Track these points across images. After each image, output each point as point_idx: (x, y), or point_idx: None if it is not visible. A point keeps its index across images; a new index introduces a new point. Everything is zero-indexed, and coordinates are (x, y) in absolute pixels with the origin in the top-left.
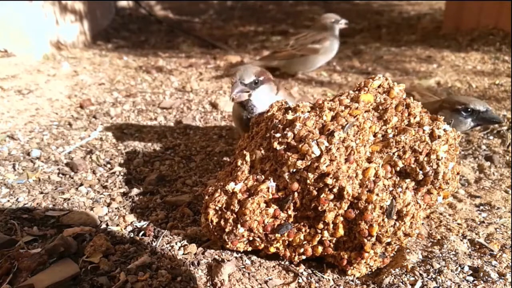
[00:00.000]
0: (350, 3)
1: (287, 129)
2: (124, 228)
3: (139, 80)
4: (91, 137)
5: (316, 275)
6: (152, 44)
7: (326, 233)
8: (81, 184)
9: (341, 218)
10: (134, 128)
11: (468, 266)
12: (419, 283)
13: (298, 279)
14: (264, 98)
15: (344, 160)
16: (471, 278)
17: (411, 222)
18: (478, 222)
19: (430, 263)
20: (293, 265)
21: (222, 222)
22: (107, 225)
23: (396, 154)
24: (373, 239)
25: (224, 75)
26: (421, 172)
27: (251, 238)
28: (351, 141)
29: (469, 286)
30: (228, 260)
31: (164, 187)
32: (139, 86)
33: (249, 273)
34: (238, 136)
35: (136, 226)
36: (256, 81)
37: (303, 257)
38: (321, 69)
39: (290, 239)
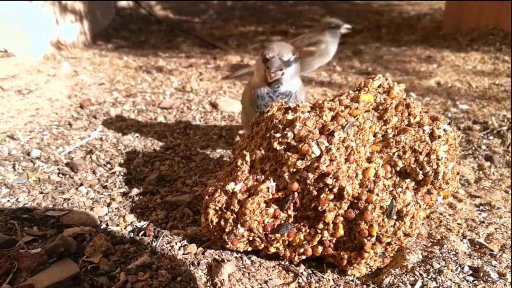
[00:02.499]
0: (350, 3)
1: (287, 129)
2: (124, 228)
3: (139, 80)
4: (91, 137)
5: (316, 275)
6: (152, 44)
7: (326, 233)
8: (81, 184)
9: (341, 218)
10: (134, 128)
11: (468, 266)
12: (419, 283)
13: (298, 279)
14: (293, 77)
15: (344, 160)
16: (471, 278)
17: (411, 222)
18: (478, 222)
19: (430, 263)
20: (293, 265)
21: (222, 222)
22: (107, 225)
23: (396, 154)
24: (373, 239)
25: (225, 77)
26: (421, 172)
27: (251, 238)
28: (351, 141)
29: (469, 286)
30: (228, 260)
31: (164, 187)
32: (139, 86)
33: (249, 273)
34: (245, 122)
35: (136, 226)
36: (291, 60)
37: (303, 257)
38: (321, 69)
39: (290, 239)
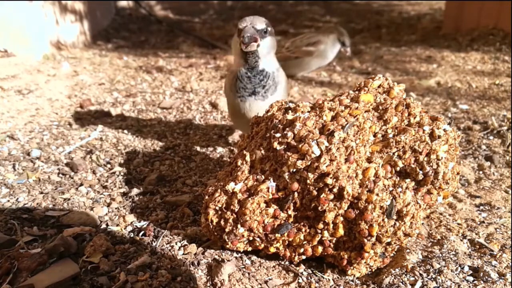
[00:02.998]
0: (350, 3)
1: (287, 129)
2: (124, 228)
3: (139, 80)
4: (91, 137)
5: (316, 275)
6: (152, 44)
7: (326, 233)
8: (81, 184)
9: (341, 218)
10: (134, 128)
11: (468, 266)
12: (419, 283)
13: (298, 279)
14: (268, 51)
15: (344, 160)
16: (471, 278)
17: (411, 222)
18: (478, 222)
19: (430, 263)
20: (293, 265)
21: (222, 222)
22: (107, 225)
23: (396, 154)
24: (373, 239)
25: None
26: (421, 172)
27: (251, 238)
28: (351, 141)
29: (469, 286)
30: (228, 260)
31: (164, 187)
32: (139, 86)
33: (249, 273)
34: (230, 113)
35: (136, 226)
36: (266, 30)
37: (303, 257)
38: (321, 69)
39: (290, 239)
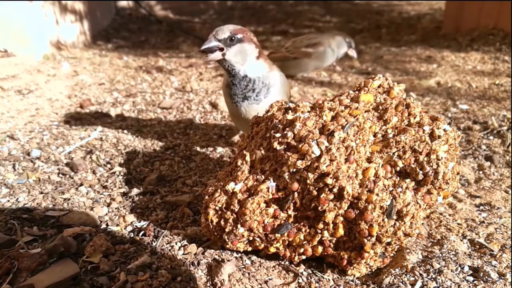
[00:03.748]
0: (350, 3)
1: (287, 129)
2: (124, 228)
3: (139, 80)
4: (91, 137)
5: (316, 275)
6: (152, 44)
7: (326, 233)
8: (81, 184)
9: (341, 218)
10: (134, 128)
11: (468, 266)
12: (419, 283)
13: (298, 279)
14: (243, 58)
15: (344, 160)
16: (471, 278)
17: (411, 222)
18: (478, 222)
19: (430, 263)
20: (293, 265)
21: (222, 222)
22: (107, 225)
23: (396, 154)
24: (373, 239)
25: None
26: (421, 172)
27: (251, 238)
28: (351, 141)
29: (469, 286)
30: (228, 260)
31: (164, 187)
32: (139, 86)
33: (249, 273)
34: (230, 115)
35: (136, 226)
36: (232, 38)
37: (303, 257)
38: (320, 69)
39: (290, 239)
